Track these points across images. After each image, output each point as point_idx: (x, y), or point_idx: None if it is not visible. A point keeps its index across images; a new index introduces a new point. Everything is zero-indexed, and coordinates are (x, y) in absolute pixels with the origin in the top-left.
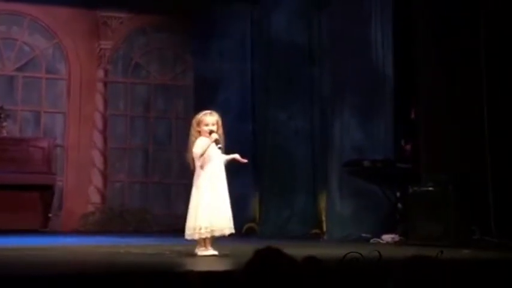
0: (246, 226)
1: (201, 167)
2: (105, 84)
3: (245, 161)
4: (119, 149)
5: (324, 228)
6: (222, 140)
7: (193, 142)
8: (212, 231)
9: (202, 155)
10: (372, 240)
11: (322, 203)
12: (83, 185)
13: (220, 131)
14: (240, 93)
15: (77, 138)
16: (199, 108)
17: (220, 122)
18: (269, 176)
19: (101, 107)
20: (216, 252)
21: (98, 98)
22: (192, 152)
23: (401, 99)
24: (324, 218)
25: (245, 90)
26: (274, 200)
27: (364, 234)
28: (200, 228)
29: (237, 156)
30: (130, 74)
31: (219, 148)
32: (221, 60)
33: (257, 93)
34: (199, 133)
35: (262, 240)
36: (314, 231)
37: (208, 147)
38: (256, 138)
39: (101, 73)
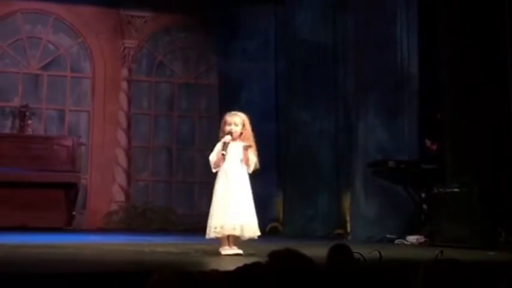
0: (269, 226)
1: (217, 166)
2: (129, 83)
3: (246, 144)
4: (142, 147)
5: (348, 229)
6: (251, 141)
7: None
8: (222, 230)
9: (214, 162)
10: (396, 241)
11: (346, 203)
12: (106, 184)
13: (246, 132)
14: (264, 93)
15: (101, 136)
16: (223, 107)
17: (247, 122)
18: (293, 176)
19: (125, 105)
20: (240, 251)
21: (122, 97)
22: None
23: (427, 98)
24: (348, 219)
25: (269, 90)
26: (298, 200)
27: (388, 235)
28: (215, 228)
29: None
30: (154, 72)
31: (223, 155)
32: (245, 60)
33: (281, 93)
34: (223, 133)
35: (285, 240)
36: (338, 231)
37: (219, 151)
38: (280, 138)
39: (125, 72)
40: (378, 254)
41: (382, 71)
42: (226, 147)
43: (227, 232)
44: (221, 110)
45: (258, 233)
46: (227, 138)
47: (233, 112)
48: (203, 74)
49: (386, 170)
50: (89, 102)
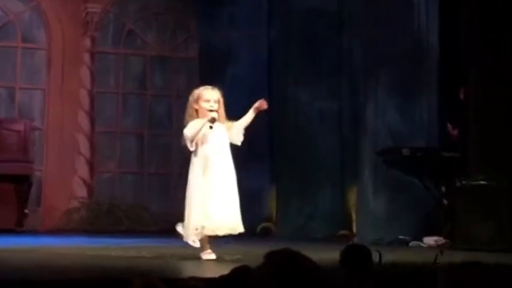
0: (260, 226)
1: (195, 152)
2: (93, 55)
3: (265, 106)
4: (108, 133)
5: (354, 229)
6: (227, 122)
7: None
8: (203, 230)
9: (193, 139)
10: (411, 244)
11: (352, 199)
12: (65, 176)
13: (222, 111)
14: (254, 68)
15: (58, 120)
16: (205, 84)
17: (222, 101)
18: (288, 167)
19: (87, 82)
20: (213, 256)
21: (84, 72)
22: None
23: (449, 75)
24: (353, 217)
25: (260, 64)
26: (295, 195)
27: (402, 237)
28: (196, 228)
29: (256, 107)
30: (122, 43)
31: (210, 128)
32: (231, 28)
33: (274, 67)
34: (197, 112)
35: (279, 242)
36: (342, 232)
37: (200, 128)
38: (273, 122)
39: (87, 42)
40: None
41: (396, 41)
42: (212, 121)
43: (210, 233)
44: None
45: (241, 229)
46: (214, 114)
47: (208, 86)
48: (181, 45)
49: (400, 159)
50: (43, 78)
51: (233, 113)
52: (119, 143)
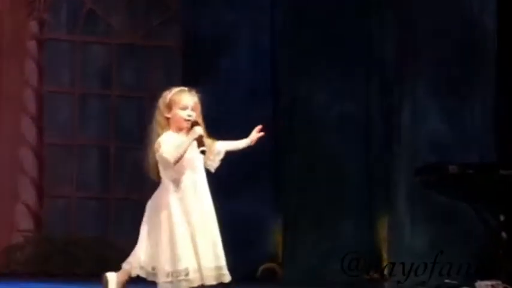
0: (262, 267)
1: (175, 180)
2: (41, 43)
3: (262, 134)
4: (62, 146)
5: (386, 271)
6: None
7: (157, 138)
8: (199, 276)
9: (177, 161)
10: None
11: (383, 232)
12: (4, 202)
13: (201, 121)
14: (254, 60)
15: None
16: (189, 82)
17: (199, 109)
18: (299, 191)
19: (33, 79)
20: None
21: (29, 65)
22: (155, 155)
23: (509, 69)
24: (385, 256)
25: (262, 55)
26: (307, 227)
27: (448, 281)
28: (186, 273)
29: (251, 138)
30: (80, 28)
31: (202, 152)
32: (225, 8)
33: (280, 60)
34: (168, 122)
35: None
36: (369, 275)
37: (187, 147)
38: (279, 131)
39: (33, 26)
40: None
41: (440, 26)
42: (202, 142)
43: (207, 280)
44: (186, 86)
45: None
46: (200, 130)
47: (183, 88)
48: (158, 31)
49: (446, 179)
50: None
51: (224, 123)
52: (77, 159)
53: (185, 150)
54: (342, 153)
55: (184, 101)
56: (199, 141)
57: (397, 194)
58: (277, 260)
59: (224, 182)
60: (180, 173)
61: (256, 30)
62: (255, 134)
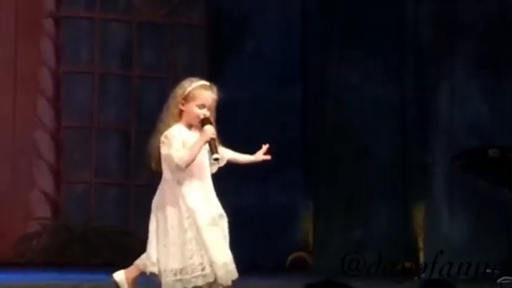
0: (292, 256)
1: (179, 182)
2: (58, 21)
3: (268, 157)
4: (80, 129)
5: (421, 260)
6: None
7: (166, 130)
8: (232, 270)
9: (189, 164)
10: (500, 280)
11: (419, 220)
12: (20, 188)
13: (213, 120)
14: (283, 39)
15: (9, 109)
16: (214, 62)
17: (214, 106)
18: (330, 177)
19: (50, 58)
20: None
21: (46, 44)
22: (160, 149)
23: None
24: (421, 244)
25: (290, 33)
26: (339, 214)
27: (488, 270)
28: (225, 263)
29: (257, 156)
30: (99, 5)
31: (215, 160)
32: None
33: (310, 39)
34: (180, 114)
35: (317, 278)
36: (403, 264)
37: (198, 151)
38: (309, 115)
39: (50, 3)
40: None
41: (478, 4)
42: (215, 146)
43: (234, 275)
44: (211, 66)
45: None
46: (210, 131)
47: (205, 83)
48: (181, 8)
49: (486, 164)
50: None
51: (251, 106)
52: (96, 143)
53: (196, 155)
54: (375, 138)
55: (204, 99)
56: (212, 145)
57: (434, 180)
58: (307, 249)
59: (253, 170)
60: (187, 176)
61: (285, 10)
62: (261, 155)
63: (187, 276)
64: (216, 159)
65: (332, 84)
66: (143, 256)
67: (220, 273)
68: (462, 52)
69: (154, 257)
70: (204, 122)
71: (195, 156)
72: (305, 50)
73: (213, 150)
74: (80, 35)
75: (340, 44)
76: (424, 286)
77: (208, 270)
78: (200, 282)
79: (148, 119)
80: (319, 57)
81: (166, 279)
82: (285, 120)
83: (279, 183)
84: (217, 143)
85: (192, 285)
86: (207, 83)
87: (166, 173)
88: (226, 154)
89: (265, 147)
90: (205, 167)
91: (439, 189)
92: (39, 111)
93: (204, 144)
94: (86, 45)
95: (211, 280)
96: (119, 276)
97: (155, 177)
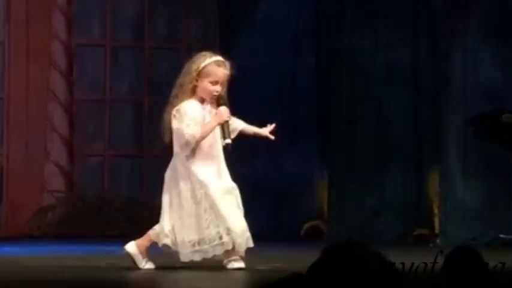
0: (307, 225)
1: (187, 157)
2: None
3: (272, 137)
4: (93, 101)
5: (436, 227)
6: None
7: (179, 104)
8: (229, 240)
9: (199, 142)
10: None
11: (433, 187)
12: (34, 162)
13: (225, 95)
14: (295, 5)
15: (23, 83)
16: (226, 31)
17: (226, 83)
18: (344, 145)
19: (62, 31)
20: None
21: (57, 17)
22: (172, 123)
23: None
24: (435, 211)
25: (303, 1)
26: (354, 182)
27: (503, 236)
28: (220, 237)
29: (263, 131)
30: None
31: (227, 144)
32: None
33: (323, 6)
34: (193, 90)
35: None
36: (418, 231)
37: (210, 131)
38: (322, 83)
39: None
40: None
41: None
42: (228, 130)
43: (250, 243)
44: (222, 35)
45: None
46: (225, 112)
47: (220, 58)
48: None
49: (500, 129)
50: (1, 27)
51: (264, 74)
52: (109, 115)
53: (208, 134)
54: (389, 105)
55: (217, 76)
56: (225, 128)
57: (448, 146)
58: (322, 217)
59: (268, 140)
60: (197, 152)
61: None
62: (266, 132)
63: (205, 247)
64: (227, 145)
65: (346, 52)
66: (156, 227)
67: (239, 240)
68: (475, 17)
69: (168, 229)
70: (219, 101)
71: (206, 136)
72: (318, 18)
73: (225, 134)
74: (92, 7)
75: (353, 12)
76: (451, 253)
77: (226, 238)
78: (219, 251)
79: (161, 91)
80: (332, 25)
81: (185, 251)
82: (297, 92)
83: (294, 152)
84: (230, 127)
85: (211, 254)
86: (221, 59)
87: (176, 148)
88: (240, 125)
89: (272, 126)
90: (216, 144)
91: (453, 155)
92: (52, 84)
93: (218, 125)
94: (97, 17)
95: (229, 248)
96: (131, 247)
97: (168, 149)
